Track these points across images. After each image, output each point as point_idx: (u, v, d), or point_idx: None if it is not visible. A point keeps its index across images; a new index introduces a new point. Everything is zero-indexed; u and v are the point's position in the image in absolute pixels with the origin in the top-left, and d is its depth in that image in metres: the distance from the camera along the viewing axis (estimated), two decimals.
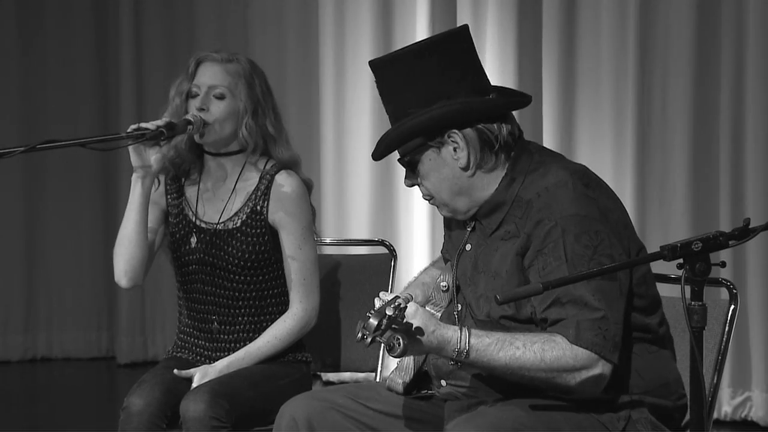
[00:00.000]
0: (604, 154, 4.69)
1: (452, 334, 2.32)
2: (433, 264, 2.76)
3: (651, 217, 4.65)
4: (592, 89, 4.71)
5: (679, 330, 2.60)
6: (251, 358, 3.00)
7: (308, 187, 3.08)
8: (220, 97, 3.00)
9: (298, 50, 5.40)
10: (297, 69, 5.40)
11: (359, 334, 2.22)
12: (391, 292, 2.80)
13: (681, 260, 2.12)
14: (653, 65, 4.64)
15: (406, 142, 2.43)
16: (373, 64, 2.45)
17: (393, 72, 2.41)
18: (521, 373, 2.32)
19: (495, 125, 2.43)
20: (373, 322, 2.21)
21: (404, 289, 2.67)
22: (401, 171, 5.26)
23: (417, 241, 5.13)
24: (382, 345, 2.24)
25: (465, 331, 2.33)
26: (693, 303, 2.13)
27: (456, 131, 2.42)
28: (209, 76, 3.01)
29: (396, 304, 2.25)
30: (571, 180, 2.39)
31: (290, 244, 3.02)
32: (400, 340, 2.23)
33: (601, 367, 2.31)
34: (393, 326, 2.23)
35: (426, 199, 2.51)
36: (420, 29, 5.01)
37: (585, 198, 2.38)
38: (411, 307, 2.30)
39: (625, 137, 4.65)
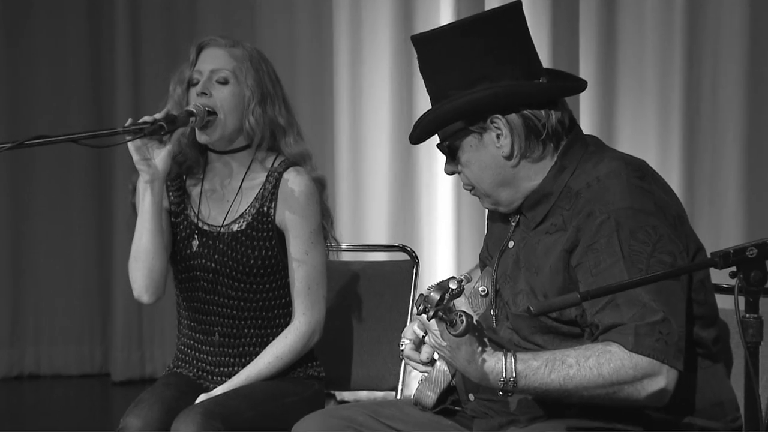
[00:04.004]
0: (648, 150, 4.68)
1: (496, 361, 2.31)
2: (471, 271, 2.76)
3: (700, 220, 4.63)
4: (634, 78, 4.70)
5: (732, 345, 2.59)
6: (252, 382, 2.99)
7: (320, 185, 3.08)
8: (224, 82, 3.00)
9: (311, 37, 5.41)
10: (309, 58, 5.41)
11: (420, 307, 2.23)
12: (413, 302, 2.81)
13: (734, 268, 2.10)
14: (702, 52, 4.63)
15: (445, 125, 2.44)
16: (416, 40, 2.46)
17: (436, 49, 2.42)
18: (579, 393, 2.31)
19: (543, 112, 2.43)
20: (435, 295, 2.22)
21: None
22: (423, 169, 5.30)
23: (441, 246, 5.12)
24: (406, 361, 2.23)
25: (510, 358, 2.31)
26: (748, 315, 2.11)
27: (499, 117, 2.42)
28: (212, 59, 3.02)
29: (458, 279, 2.26)
30: (625, 170, 2.39)
31: (296, 249, 3.02)
32: (463, 317, 2.23)
33: (666, 375, 2.29)
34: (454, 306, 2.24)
35: (467, 189, 2.52)
36: (444, 12, 5.00)
37: (640, 190, 2.37)
38: (461, 299, 2.32)
39: (671, 132, 4.63)
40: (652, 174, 2.44)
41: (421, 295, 2.25)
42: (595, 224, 2.34)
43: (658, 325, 2.29)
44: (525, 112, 2.42)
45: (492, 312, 2.53)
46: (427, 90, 2.47)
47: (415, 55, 2.49)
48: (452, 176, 2.69)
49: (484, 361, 2.30)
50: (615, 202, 2.34)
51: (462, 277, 2.34)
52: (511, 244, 2.52)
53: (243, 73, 3.01)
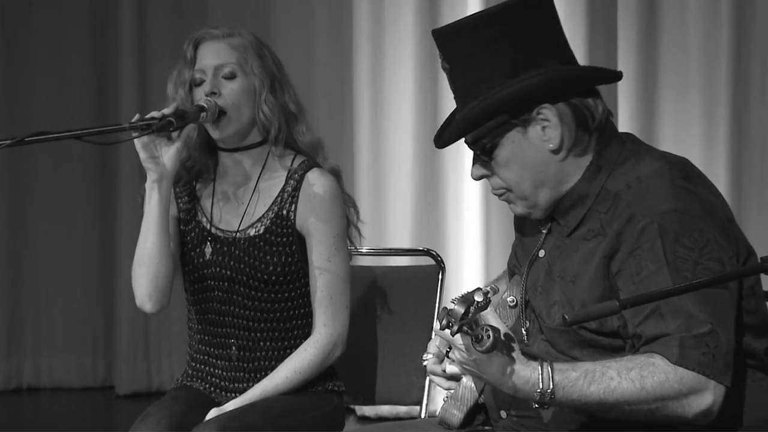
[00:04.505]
0: (692, 146, 4.66)
1: (532, 371, 2.30)
2: (502, 275, 2.76)
3: (749, 222, 4.61)
4: (677, 70, 4.69)
5: None
6: (267, 397, 2.99)
7: (337, 176, 3.08)
8: (231, 77, 3.01)
9: (329, 28, 5.41)
10: (327, 50, 5.42)
11: (443, 321, 2.21)
12: (439, 309, 2.80)
13: None
14: (751, 41, 4.61)
15: (487, 120, 2.40)
16: (439, 33, 2.44)
17: (464, 42, 2.40)
18: (620, 408, 2.30)
19: (590, 100, 2.42)
20: (459, 309, 2.21)
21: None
22: (450, 167, 5.30)
23: (468, 250, 5.12)
24: (430, 377, 2.22)
25: (546, 368, 2.30)
26: None
27: (548, 106, 2.40)
28: (213, 55, 3.02)
29: (484, 291, 2.24)
30: (668, 171, 2.37)
31: (318, 255, 3.02)
32: (490, 331, 2.21)
33: (712, 391, 2.28)
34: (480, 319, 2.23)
35: (497, 194, 2.49)
36: (472, 1, 5.00)
37: (685, 192, 2.36)
38: (488, 315, 2.29)
39: (717, 127, 4.62)
40: (697, 174, 2.43)
41: (444, 308, 2.23)
42: (637, 229, 2.33)
43: (704, 337, 2.28)
44: (574, 100, 2.41)
45: (523, 326, 2.52)
46: (454, 88, 2.45)
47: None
48: None
49: (518, 371, 2.29)
50: (658, 205, 2.33)
51: (488, 288, 2.32)
52: (542, 253, 2.51)
53: (248, 64, 3.02)
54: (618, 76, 2.52)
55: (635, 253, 2.33)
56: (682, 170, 2.40)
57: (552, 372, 2.29)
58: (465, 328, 2.21)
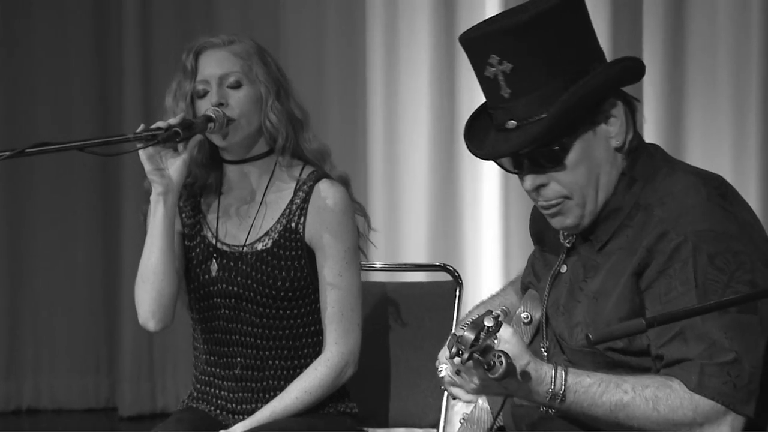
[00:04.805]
0: (722, 156, 4.65)
1: (547, 370, 2.31)
2: (507, 288, 2.75)
3: None
4: (705, 74, 4.68)
5: None
6: (277, 418, 2.99)
7: (346, 184, 3.08)
8: (236, 86, 3.02)
9: (341, 31, 5.42)
10: (338, 54, 5.42)
11: (452, 350, 2.20)
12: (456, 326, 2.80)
13: None
14: None
15: (571, 119, 2.37)
16: (494, 32, 2.39)
17: (531, 38, 2.36)
18: (629, 424, 2.30)
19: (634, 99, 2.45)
20: (469, 335, 2.20)
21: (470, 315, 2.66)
22: (467, 178, 5.29)
23: (486, 265, 5.12)
24: (447, 389, 2.22)
25: (561, 369, 2.31)
26: None
27: (616, 100, 2.41)
28: (216, 64, 3.03)
29: (495, 314, 2.23)
30: (704, 187, 2.37)
31: (329, 270, 3.03)
32: (503, 358, 2.20)
33: (730, 422, 2.28)
34: (493, 341, 2.22)
35: (549, 205, 2.44)
36: (490, 4, 5.00)
37: (721, 210, 2.35)
38: (508, 330, 2.29)
39: (747, 137, 4.60)
40: (732, 192, 2.42)
41: (454, 335, 2.22)
42: (670, 247, 2.33)
43: (727, 366, 2.28)
44: (627, 96, 2.42)
45: (542, 345, 2.52)
46: (514, 89, 2.39)
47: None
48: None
49: (530, 370, 2.29)
50: (694, 223, 2.33)
51: (499, 311, 2.29)
52: (563, 268, 2.51)
53: (253, 71, 3.03)
54: (640, 73, 2.52)
55: (666, 272, 2.33)
56: (718, 187, 2.40)
57: (565, 374, 2.30)
58: (476, 356, 2.20)
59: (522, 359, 2.29)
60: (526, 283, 2.65)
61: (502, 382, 2.26)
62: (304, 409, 3.02)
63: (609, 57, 4.89)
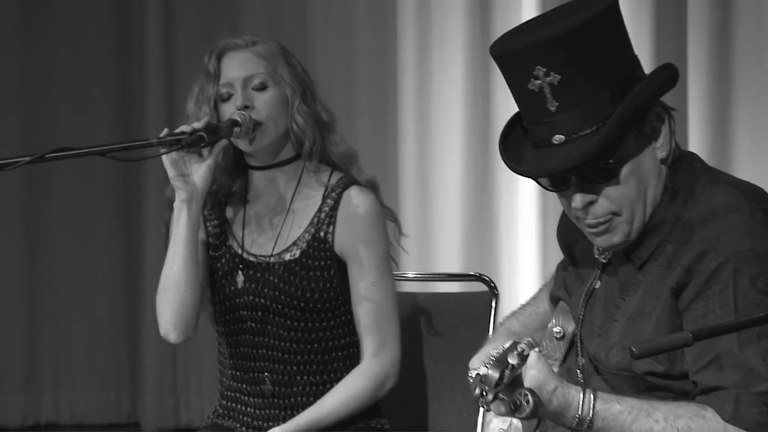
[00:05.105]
0: None
1: (575, 394, 2.31)
2: (540, 295, 2.74)
3: None
4: (754, 80, 4.66)
5: None
6: (313, 429, 3.00)
7: (374, 189, 3.09)
8: (262, 88, 3.03)
9: (371, 31, 5.42)
10: (368, 55, 5.43)
11: (476, 391, 2.20)
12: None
13: None
14: None
15: (627, 132, 2.36)
16: (536, 43, 2.36)
17: (578, 46, 2.34)
18: None
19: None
20: (494, 374, 2.20)
21: (487, 345, 2.64)
22: (503, 184, 5.28)
23: (523, 274, 5.11)
24: (485, 406, 2.22)
25: (589, 394, 2.31)
26: None
27: (659, 109, 2.40)
28: (240, 66, 3.04)
29: (519, 350, 2.23)
30: (747, 203, 2.35)
31: (363, 280, 3.04)
32: (529, 397, 2.21)
33: None
34: (518, 379, 2.22)
35: (598, 223, 2.42)
36: (527, 3, 4.99)
37: (764, 228, 2.34)
38: (533, 356, 2.29)
39: None
40: None
41: (477, 374, 2.22)
42: (710, 268, 2.32)
43: (765, 396, 2.27)
44: (666, 105, 2.41)
45: (578, 362, 2.51)
46: (561, 101, 2.36)
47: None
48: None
49: (558, 394, 2.29)
50: (735, 243, 2.31)
51: (524, 346, 2.29)
52: (597, 284, 2.50)
53: (278, 72, 3.04)
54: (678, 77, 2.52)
55: (705, 294, 2.32)
56: (761, 202, 2.38)
57: (594, 399, 2.29)
58: (501, 396, 2.21)
59: (549, 385, 2.29)
60: (557, 296, 2.64)
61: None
62: (340, 420, 3.02)
63: (652, 60, 4.88)
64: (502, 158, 2.47)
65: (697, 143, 4.70)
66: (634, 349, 2.14)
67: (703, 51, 4.73)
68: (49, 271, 5.90)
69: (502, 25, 4.94)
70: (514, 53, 2.39)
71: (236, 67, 3.04)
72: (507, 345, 2.31)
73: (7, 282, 5.86)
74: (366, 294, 3.03)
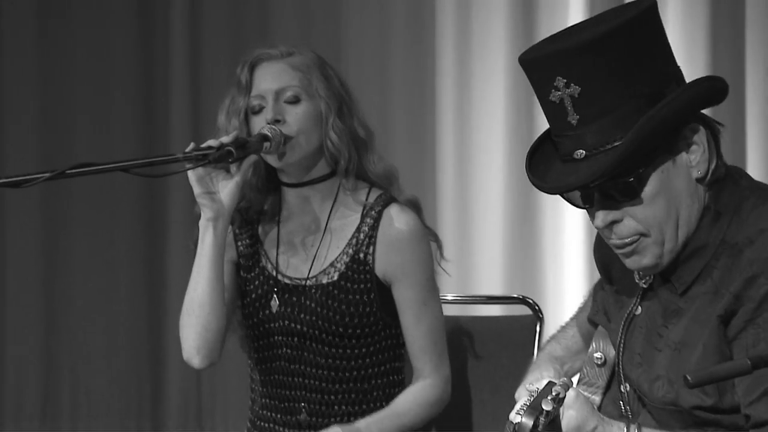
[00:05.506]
0: None
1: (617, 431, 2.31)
2: (580, 314, 2.74)
3: None
4: None
5: None
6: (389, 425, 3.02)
7: (417, 209, 3.10)
8: (294, 101, 3.04)
9: (408, 39, 5.41)
10: (405, 65, 5.43)
11: None
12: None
13: None
14: None
15: (647, 150, 2.34)
16: (557, 52, 2.36)
17: (601, 58, 2.33)
18: None
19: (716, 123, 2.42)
20: (527, 422, 2.22)
21: (530, 373, 2.64)
22: (547, 201, 5.26)
23: (570, 297, 5.09)
24: None
25: (634, 429, 2.31)
26: None
27: (698, 126, 2.37)
28: (272, 78, 3.05)
29: (554, 395, 2.24)
30: None
31: (413, 301, 3.05)
32: None
33: None
34: (555, 421, 2.24)
35: (624, 243, 2.41)
36: (575, 5, 4.99)
37: None
38: (571, 395, 2.29)
39: None
40: None
41: (510, 423, 2.23)
42: (761, 293, 2.31)
43: None
44: (709, 120, 2.39)
45: (622, 390, 2.50)
46: (581, 115, 2.36)
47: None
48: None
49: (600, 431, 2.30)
50: None
51: (558, 388, 2.30)
52: (638, 310, 2.49)
53: (312, 85, 3.05)
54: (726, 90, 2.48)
55: (755, 321, 2.31)
56: None
57: None
58: None
59: (589, 425, 2.30)
60: (595, 320, 2.64)
61: None
62: (411, 425, 3.04)
63: (707, 71, 4.87)
64: (527, 173, 2.47)
65: (756, 160, 4.68)
66: (689, 378, 2.13)
67: (762, 58, 4.71)
68: (67, 295, 5.90)
69: (547, 30, 4.94)
70: (536, 62, 2.39)
71: (269, 78, 3.06)
72: (541, 386, 2.33)
73: (21, 301, 5.87)
74: (418, 314, 3.05)
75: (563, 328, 2.76)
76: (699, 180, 2.39)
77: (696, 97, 2.37)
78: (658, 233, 2.39)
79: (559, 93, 2.37)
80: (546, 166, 2.45)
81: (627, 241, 2.40)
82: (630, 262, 2.43)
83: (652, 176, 2.37)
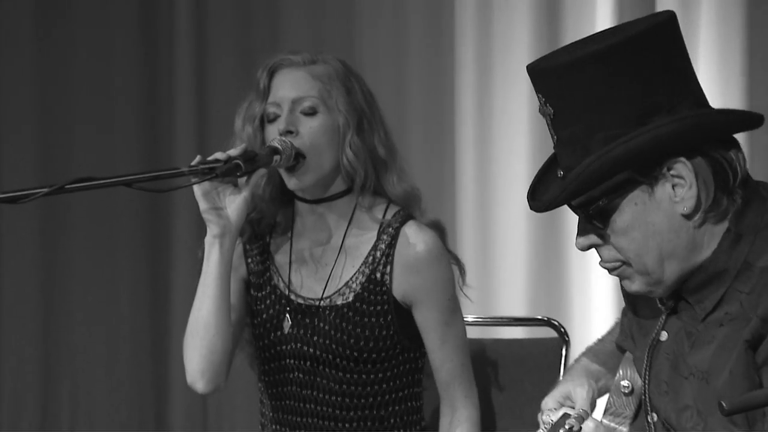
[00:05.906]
0: None
1: None
2: (612, 333, 2.74)
3: None
4: None
5: None
6: None
7: (441, 231, 3.10)
8: (311, 113, 3.04)
9: (426, 45, 5.42)
10: (422, 71, 5.43)
11: None
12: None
13: None
14: None
15: (609, 178, 2.36)
16: (539, 70, 2.40)
17: (577, 79, 2.35)
18: None
19: (731, 153, 2.39)
20: None
21: (562, 383, 2.65)
22: (571, 220, 5.24)
23: (597, 319, 5.09)
24: None
25: None
26: None
27: (682, 160, 2.36)
28: (290, 86, 3.05)
29: (567, 428, 2.27)
30: None
31: (436, 323, 3.06)
32: None
33: None
34: None
35: (608, 267, 2.45)
36: (602, 14, 5.00)
37: None
38: (590, 425, 2.31)
39: None
40: None
41: None
42: None
43: None
44: (713, 153, 2.38)
45: (648, 419, 2.50)
46: (559, 137, 2.39)
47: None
48: None
49: None
50: None
51: (572, 421, 2.32)
52: (663, 336, 2.49)
53: (332, 97, 3.04)
54: (760, 120, 2.45)
55: None
56: None
57: None
58: None
59: None
60: (623, 346, 2.64)
61: None
62: None
63: (741, 92, 4.85)
64: (533, 180, 2.53)
65: None
66: (724, 404, 2.14)
67: None
68: (68, 309, 5.90)
69: (573, 35, 4.95)
70: (529, 73, 2.42)
71: (287, 86, 3.06)
72: (557, 418, 2.35)
73: (20, 312, 5.89)
74: (443, 336, 3.07)
75: (601, 341, 2.76)
76: (688, 215, 2.37)
77: (665, 135, 2.34)
78: (639, 264, 2.41)
79: (543, 109, 2.41)
80: (546, 181, 2.50)
81: (608, 267, 2.44)
82: (623, 284, 2.48)
83: (625, 207, 2.38)
